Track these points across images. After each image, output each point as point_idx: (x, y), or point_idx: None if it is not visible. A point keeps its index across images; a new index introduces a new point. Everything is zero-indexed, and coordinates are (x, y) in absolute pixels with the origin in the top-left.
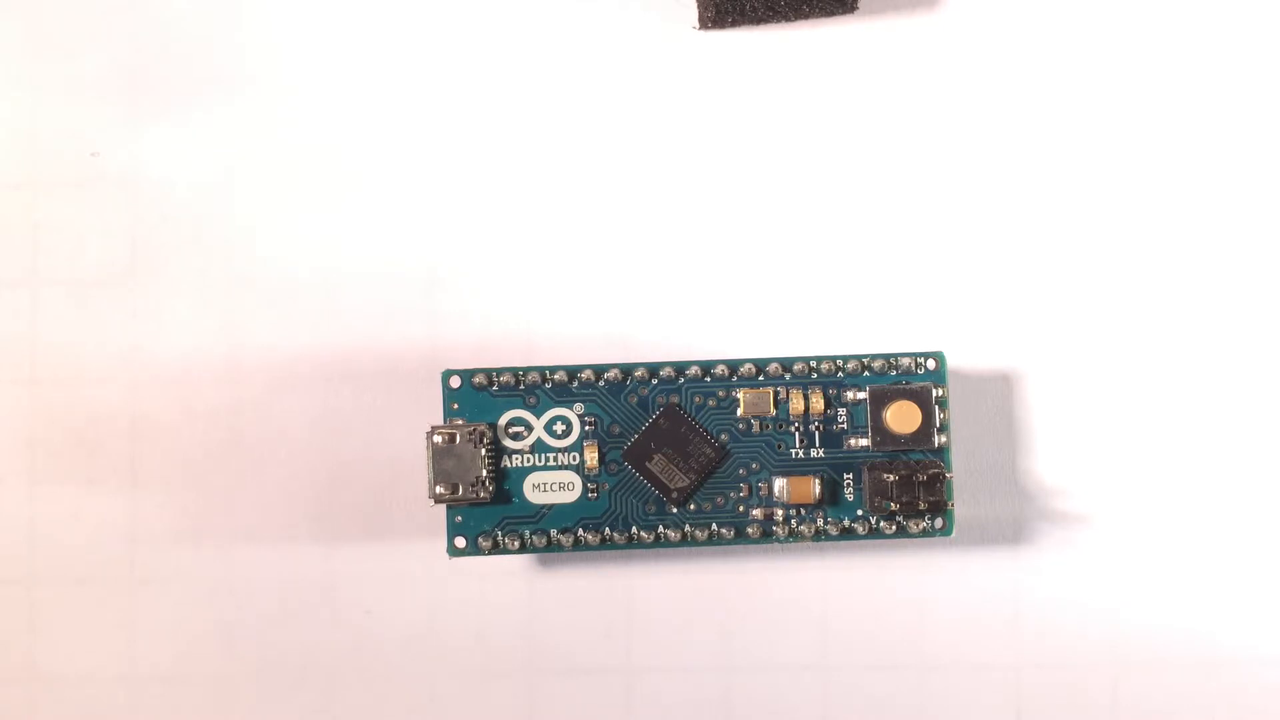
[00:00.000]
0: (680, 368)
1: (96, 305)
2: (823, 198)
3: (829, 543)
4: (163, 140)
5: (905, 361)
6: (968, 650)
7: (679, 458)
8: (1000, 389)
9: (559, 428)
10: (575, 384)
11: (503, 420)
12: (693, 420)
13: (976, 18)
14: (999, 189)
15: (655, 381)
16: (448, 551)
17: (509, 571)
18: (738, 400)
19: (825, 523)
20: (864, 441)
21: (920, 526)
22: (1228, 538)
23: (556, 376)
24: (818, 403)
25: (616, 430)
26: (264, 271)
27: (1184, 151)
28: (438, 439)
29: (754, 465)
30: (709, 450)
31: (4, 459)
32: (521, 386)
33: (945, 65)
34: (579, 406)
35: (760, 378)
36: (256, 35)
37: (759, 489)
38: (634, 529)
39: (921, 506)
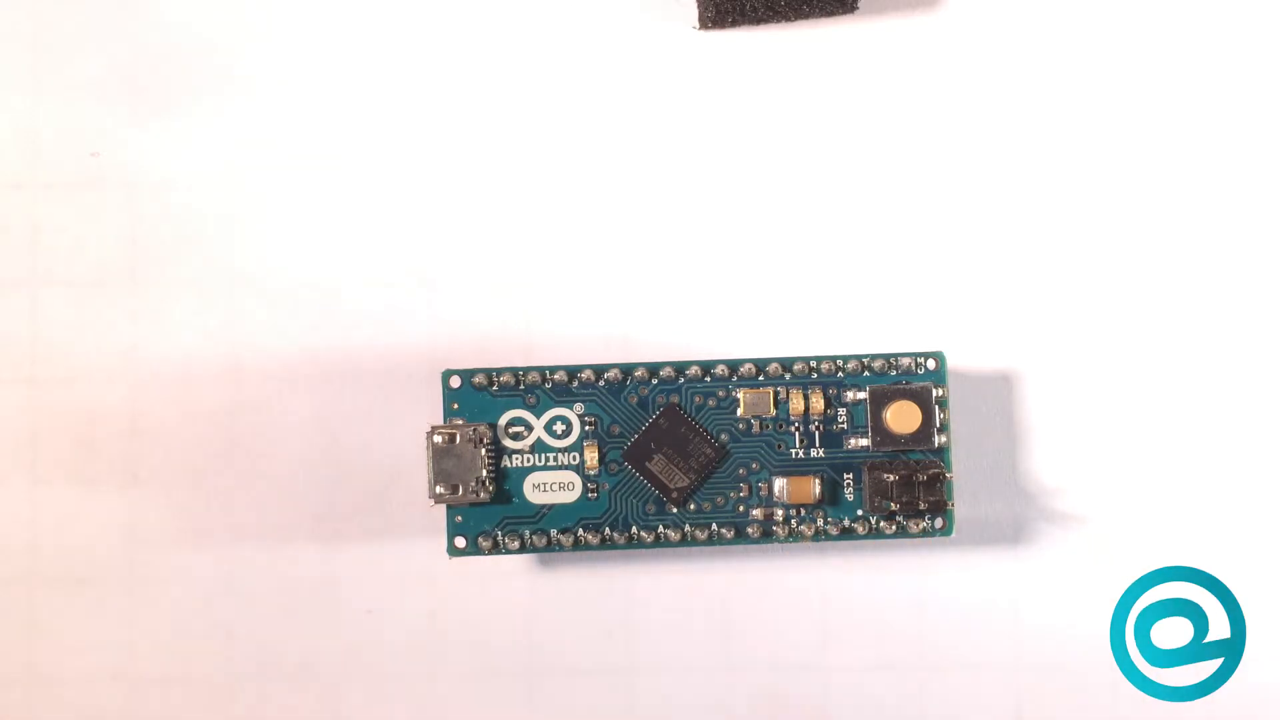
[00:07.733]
0: (680, 368)
1: (96, 305)
2: (822, 198)
3: (829, 543)
4: (163, 140)
5: (905, 361)
6: (968, 650)
7: (679, 458)
8: (1000, 389)
9: (559, 428)
10: (575, 384)
11: (503, 420)
12: (693, 420)
13: (976, 18)
14: (998, 189)
15: (655, 381)
16: (448, 551)
17: (509, 571)
18: (738, 400)
19: (825, 523)
20: (864, 441)
21: (920, 526)
22: (1227, 538)
23: (556, 376)
24: (818, 403)
25: (616, 430)
26: (264, 271)
27: (1184, 152)
28: (438, 439)
29: (754, 465)
30: (709, 450)
31: (4, 459)
32: (521, 386)
33: (945, 65)
34: (579, 406)
35: (760, 378)
36: (256, 35)
37: (759, 489)
38: (634, 529)
39: (921, 506)
